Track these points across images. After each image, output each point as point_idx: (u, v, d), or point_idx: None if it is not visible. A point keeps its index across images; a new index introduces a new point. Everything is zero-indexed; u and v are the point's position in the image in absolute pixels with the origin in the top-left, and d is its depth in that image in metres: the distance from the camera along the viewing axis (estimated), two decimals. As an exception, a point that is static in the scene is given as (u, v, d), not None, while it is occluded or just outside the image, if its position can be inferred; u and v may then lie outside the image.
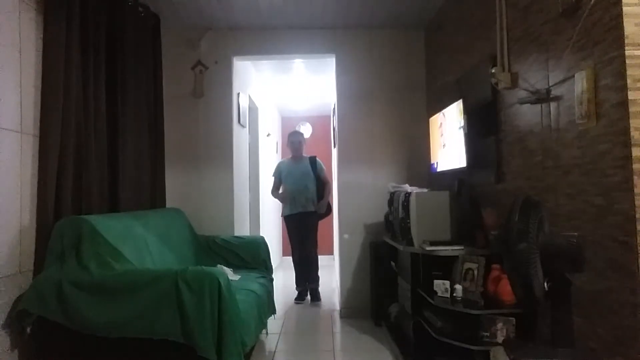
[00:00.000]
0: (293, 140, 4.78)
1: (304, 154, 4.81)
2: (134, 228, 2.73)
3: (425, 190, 3.02)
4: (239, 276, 3.13)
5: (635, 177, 1.55)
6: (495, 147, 2.61)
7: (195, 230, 3.63)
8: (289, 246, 4.80)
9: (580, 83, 1.79)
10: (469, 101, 2.83)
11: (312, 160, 4.75)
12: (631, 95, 1.57)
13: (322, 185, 4.67)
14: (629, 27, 1.58)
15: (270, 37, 4.05)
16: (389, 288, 3.48)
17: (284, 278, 5.54)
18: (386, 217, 3.56)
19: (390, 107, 4.08)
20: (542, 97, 2.08)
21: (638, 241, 1.53)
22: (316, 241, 4.69)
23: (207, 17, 3.77)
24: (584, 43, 1.79)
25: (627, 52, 1.58)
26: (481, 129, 2.74)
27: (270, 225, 6.15)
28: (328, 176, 4.84)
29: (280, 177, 4.76)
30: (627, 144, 1.57)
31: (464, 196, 2.91)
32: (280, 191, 4.77)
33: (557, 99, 2.00)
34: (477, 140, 2.77)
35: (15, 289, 2.28)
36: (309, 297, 4.67)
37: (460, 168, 2.88)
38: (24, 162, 2.35)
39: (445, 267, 2.61)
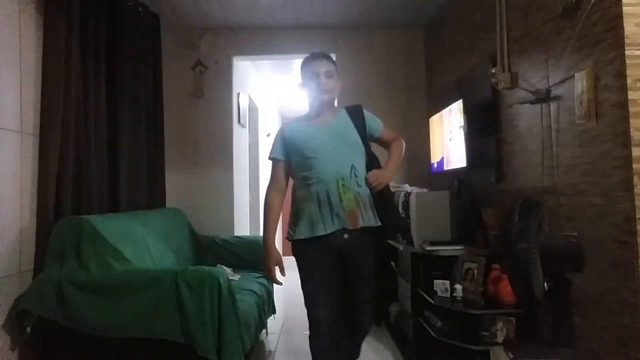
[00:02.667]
0: (316, 71, 1.97)
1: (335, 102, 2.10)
2: (134, 228, 2.72)
3: (425, 190, 3.02)
4: (239, 276, 3.13)
5: (635, 177, 1.54)
6: (495, 147, 2.61)
7: (195, 230, 3.62)
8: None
9: (580, 83, 1.79)
10: (469, 101, 2.83)
11: (355, 112, 2.06)
12: (631, 95, 1.57)
13: (391, 153, 2.10)
14: (629, 27, 1.58)
15: (270, 37, 4.05)
16: (389, 288, 3.48)
17: (284, 278, 5.52)
18: (386, 217, 3.55)
19: (390, 107, 4.08)
20: (542, 97, 2.08)
21: (638, 241, 1.53)
22: (373, 305, 2.11)
23: (207, 17, 3.77)
24: (584, 43, 1.79)
25: (627, 52, 1.57)
26: (481, 129, 2.74)
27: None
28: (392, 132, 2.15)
29: (289, 155, 2.03)
30: (627, 144, 1.57)
31: (464, 196, 2.92)
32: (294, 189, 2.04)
33: (557, 99, 2.00)
34: (477, 140, 2.77)
35: (15, 289, 2.28)
36: None
37: (461, 168, 2.88)
38: (24, 162, 2.35)
39: (445, 267, 2.61)
